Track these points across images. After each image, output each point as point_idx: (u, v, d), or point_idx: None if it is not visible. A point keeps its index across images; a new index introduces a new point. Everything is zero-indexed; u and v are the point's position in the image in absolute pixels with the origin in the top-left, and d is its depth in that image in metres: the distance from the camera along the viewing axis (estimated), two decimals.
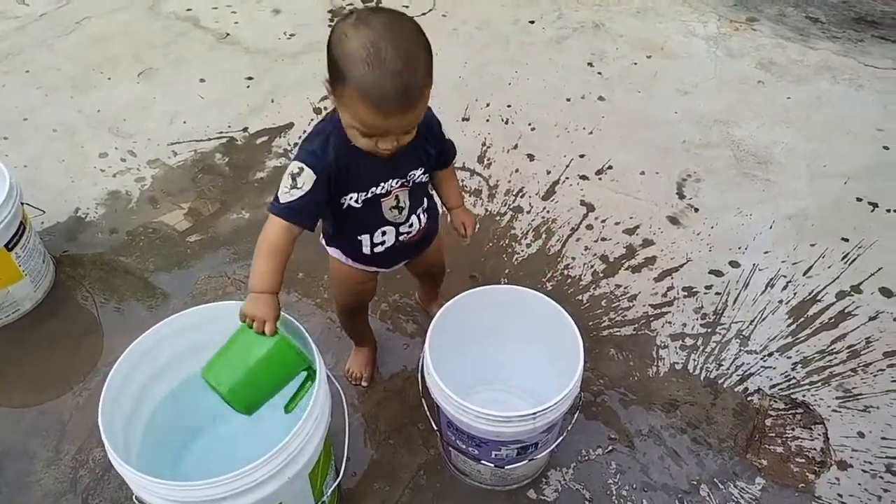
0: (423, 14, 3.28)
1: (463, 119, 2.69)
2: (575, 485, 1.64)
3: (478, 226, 1.65)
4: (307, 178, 1.26)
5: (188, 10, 3.30)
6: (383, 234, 1.45)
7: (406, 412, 1.79)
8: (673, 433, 1.75)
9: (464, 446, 1.50)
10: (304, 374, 1.26)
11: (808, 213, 2.32)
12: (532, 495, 1.63)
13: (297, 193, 1.25)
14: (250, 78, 2.91)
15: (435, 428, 1.56)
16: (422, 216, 1.49)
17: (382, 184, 1.36)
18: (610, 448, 1.72)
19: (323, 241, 1.57)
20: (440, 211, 1.60)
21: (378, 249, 1.48)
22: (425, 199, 1.51)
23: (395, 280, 2.03)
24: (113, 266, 2.16)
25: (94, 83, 2.87)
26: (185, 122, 2.68)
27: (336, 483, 1.47)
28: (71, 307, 2.05)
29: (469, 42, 3.11)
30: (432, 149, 1.43)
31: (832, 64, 2.96)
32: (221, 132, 2.64)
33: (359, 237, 1.44)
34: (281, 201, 1.26)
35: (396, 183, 1.38)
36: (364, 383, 1.83)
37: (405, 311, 2.02)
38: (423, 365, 1.46)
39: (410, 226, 1.47)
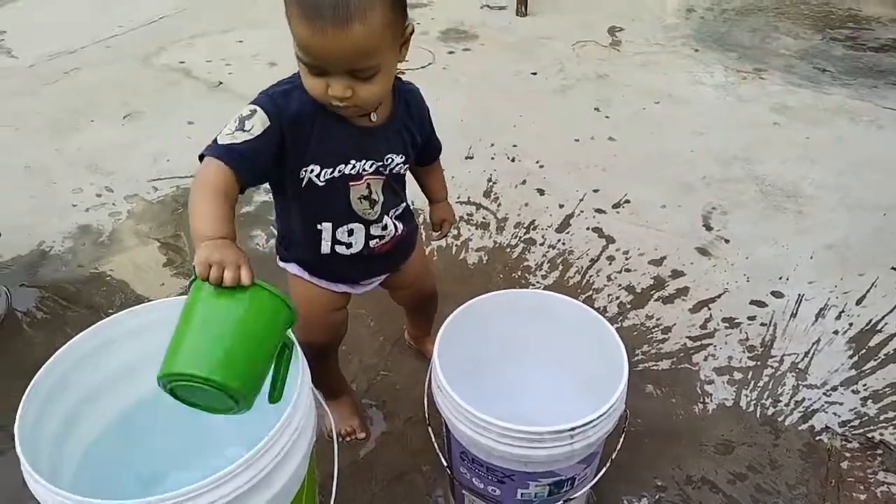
0: (423, 67, 3.20)
1: (466, 158, 2.52)
2: None
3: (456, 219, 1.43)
4: (258, 122, 1.04)
5: (181, 62, 3.22)
6: (350, 232, 1.21)
7: (408, 458, 1.49)
8: (731, 479, 1.45)
9: (481, 485, 1.20)
10: (280, 345, 0.95)
11: (848, 242, 2.11)
12: None
13: (243, 137, 1.02)
14: None
15: (445, 464, 1.27)
16: (397, 222, 1.26)
17: (354, 162, 1.14)
18: (658, 497, 1.41)
19: (278, 258, 1.31)
20: (418, 225, 1.39)
21: (341, 251, 1.22)
22: (402, 203, 1.27)
23: (392, 313, 1.76)
24: (74, 300, 1.90)
25: (76, 125, 2.71)
26: (168, 161, 2.50)
27: None
28: (22, 342, 1.77)
29: (471, 90, 3.01)
30: (419, 135, 1.24)
31: (849, 107, 2.85)
32: None
33: (318, 226, 1.19)
34: (219, 142, 1.03)
35: (371, 166, 1.16)
36: (361, 435, 1.52)
37: (403, 348, 1.75)
38: (431, 381, 1.19)
39: (384, 228, 1.23)
